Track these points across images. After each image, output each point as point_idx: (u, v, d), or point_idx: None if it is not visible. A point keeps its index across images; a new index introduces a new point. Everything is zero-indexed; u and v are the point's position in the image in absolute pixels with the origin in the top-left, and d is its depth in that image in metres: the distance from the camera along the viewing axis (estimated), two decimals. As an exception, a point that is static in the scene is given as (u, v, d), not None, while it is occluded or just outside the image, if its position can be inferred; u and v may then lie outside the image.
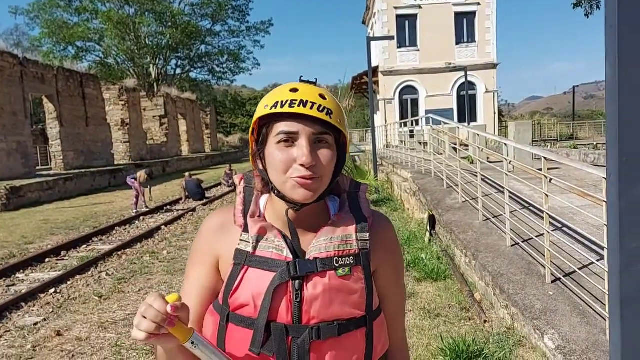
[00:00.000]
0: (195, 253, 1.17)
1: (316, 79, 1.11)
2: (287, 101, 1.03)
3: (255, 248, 1.08)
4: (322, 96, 1.06)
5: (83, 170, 20.61)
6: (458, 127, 8.90)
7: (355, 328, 1.08)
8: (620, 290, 2.00)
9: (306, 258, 1.08)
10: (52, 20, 38.84)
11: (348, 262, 1.08)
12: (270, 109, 1.05)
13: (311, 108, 1.03)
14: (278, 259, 1.06)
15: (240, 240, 1.10)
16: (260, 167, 1.11)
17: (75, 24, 39.66)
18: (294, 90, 1.06)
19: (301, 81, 1.11)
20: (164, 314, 0.90)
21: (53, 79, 21.04)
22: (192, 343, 0.98)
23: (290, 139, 1.04)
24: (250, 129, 1.12)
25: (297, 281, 1.05)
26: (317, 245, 1.09)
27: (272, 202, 1.14)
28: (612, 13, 1.92)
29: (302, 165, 1.03)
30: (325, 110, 1.05)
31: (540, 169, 4.62)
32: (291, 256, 1.07)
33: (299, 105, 1.03)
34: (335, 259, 1.07)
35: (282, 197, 1.08)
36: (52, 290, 6.22)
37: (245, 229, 1.10)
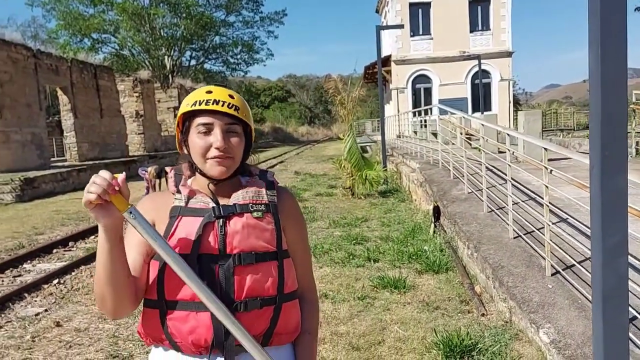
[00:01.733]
0: None
1: (226, 84, 1.25)
2: (203, 100, 1.35)
3: (187, 203, 1.39)
4: (231, 96, 1.38)
5: (97, 162, 20.83)
6: (463, 117, 8.76)
7: (269, 259, 1.37)
8: (602, 285, 1.90)
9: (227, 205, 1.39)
10: (68, 12, 38.98)
11: (261, 209, 1.40)
12: (191, 106, 1.36)
13: (222, 105, 1.34)
14: (206, 208, 1.38)
15: (175, 199, 1.41)
16: (186, 152, 1.43)
17: (90, 16, 39.79)
18: (209, 92, 1.37)
19: (215, 85, 1.44)
20: (109, 181, 1.18)
21: (67, 71, 21.25)
22: (130, 213, 1.20)
23: (207, 129, 1.36)
24: (176, 123, 1.44)
25: (221, 219, 1.35)
26: (235, 197, 1.41)
27: (197, 180, 1.45)
28: (595, -2, 1.76)
29: (217, 148, 1.34)
30: (234, 107, 1.36)
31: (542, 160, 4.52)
32: (216, 205, 1.38)
33: (212, 104, 1.34)
34: (250, 204, 1.40)
35: (204, 174, 1.40)
36: (55, 281, 6.29)
37: (178, 192, 1.42)
